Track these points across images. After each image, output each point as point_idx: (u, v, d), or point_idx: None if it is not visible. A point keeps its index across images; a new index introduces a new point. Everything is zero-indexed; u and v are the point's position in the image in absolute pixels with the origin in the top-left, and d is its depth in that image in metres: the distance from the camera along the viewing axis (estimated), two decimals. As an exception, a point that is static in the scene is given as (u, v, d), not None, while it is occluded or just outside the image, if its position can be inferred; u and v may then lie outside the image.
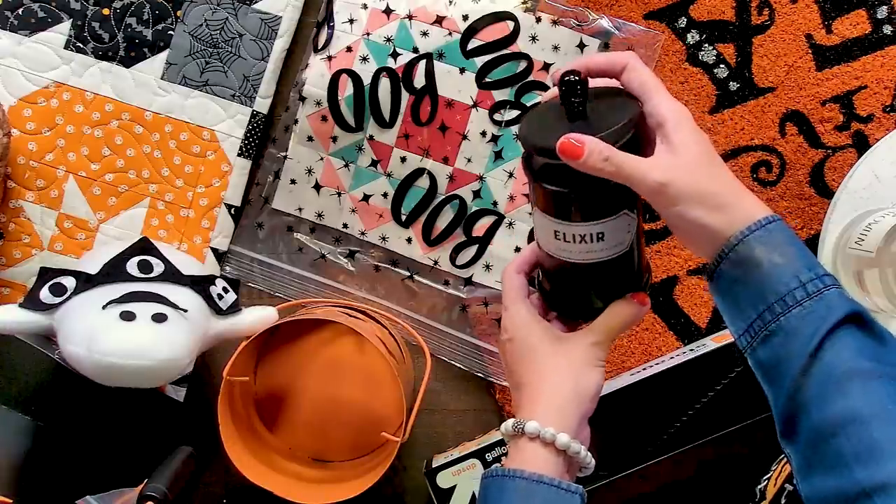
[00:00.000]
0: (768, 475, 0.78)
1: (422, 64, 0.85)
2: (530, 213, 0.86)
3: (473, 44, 0.85)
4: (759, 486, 0.78)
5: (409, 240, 0.88)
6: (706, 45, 0.86)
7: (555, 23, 0.84)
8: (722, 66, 0.86)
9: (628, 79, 0.59)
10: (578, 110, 0.57)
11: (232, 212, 0.89)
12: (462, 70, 0.85)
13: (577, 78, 0.56)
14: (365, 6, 0.86)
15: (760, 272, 0.55)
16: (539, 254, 0.64)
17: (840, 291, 0.55)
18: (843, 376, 0.53)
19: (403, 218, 0.88)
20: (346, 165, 0.88)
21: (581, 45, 0.84)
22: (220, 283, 0.82)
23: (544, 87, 0.85)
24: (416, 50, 0.85)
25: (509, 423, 0.60)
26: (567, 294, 0.64)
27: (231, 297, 0.82)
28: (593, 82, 0.59)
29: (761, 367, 0.56)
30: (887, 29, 0.84)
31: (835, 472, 0.52)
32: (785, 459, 0.78)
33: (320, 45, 0.86)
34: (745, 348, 0.57)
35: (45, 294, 0.77)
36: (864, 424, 0.51)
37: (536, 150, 0.57)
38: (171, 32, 0.87)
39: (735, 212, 0.56)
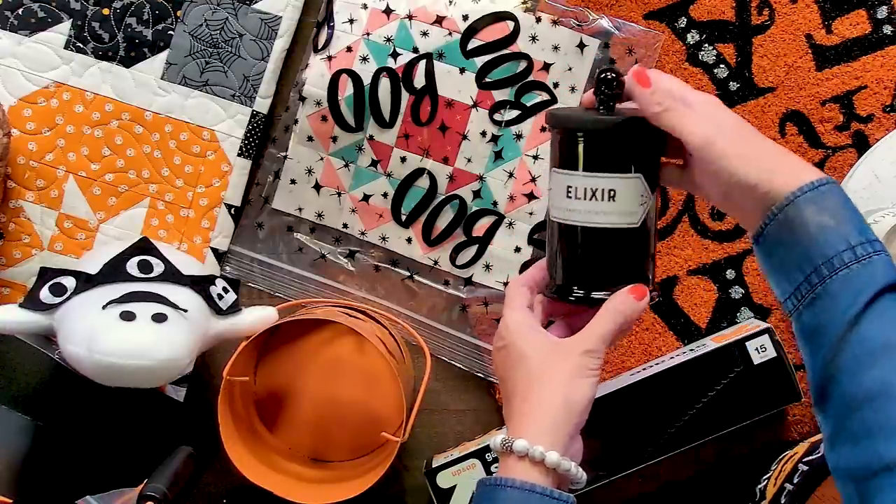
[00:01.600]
0: (768, 475, 0.78)
1: (422, 64, 0.85)
2: (530, 213, 0.86)
3: (473, 44, 0.85)
4: (759, 486, 0.78)
5: (409, 240, 0.88)
6: (706, 45, 0.86)
7: (555, 23, 0.84)
8: (722, 66, 0.86)
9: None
10: (610, 105, 0.60)
11: (232, 212, 0.89)
12: (462, 70, 0.85)
13: (613, 75, 0.59)
14: (365, 6, 0.86)
15: (809, 234, 0.54)
16: (548, 229, 0.64)
17: (889, 259, 0.54)
18: (880, 348, 0.52)
19: (403, 218, 0.88)
20: (346, 165, 0.88)
21: (581, 45, 0.84)
22: (220, 283, 0.82)
23: (544, 87, 0.85)
24: (416, 50, 0.85)
25: (497, 439, 0.59)
26: (569, 272, 0.63)
27: (231, 297, 0.82)
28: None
29: (803, 332, 0.55)
30: (887, 29, 0.84)
31: (860, 444, 0.51)
32: (784, 459, 0.78)
33: (320, 45, 0.86)
34: (790, 312, 0.56)
35: (45, 294, 0.77)
36: (892, 399, 0.51)
37: (572, 120, 0.61)
38: (171, 32, 0.87)
39: (784, 171, 0.55)
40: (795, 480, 0.72)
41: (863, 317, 0.52)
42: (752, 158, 0.56)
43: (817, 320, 0.54)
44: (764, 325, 0.80)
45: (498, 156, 0.86)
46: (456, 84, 0.85)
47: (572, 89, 0.85)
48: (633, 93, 0.58)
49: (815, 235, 0.54)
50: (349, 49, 0.86)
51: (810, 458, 0.73)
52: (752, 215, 0.57)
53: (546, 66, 0.85)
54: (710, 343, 0.81)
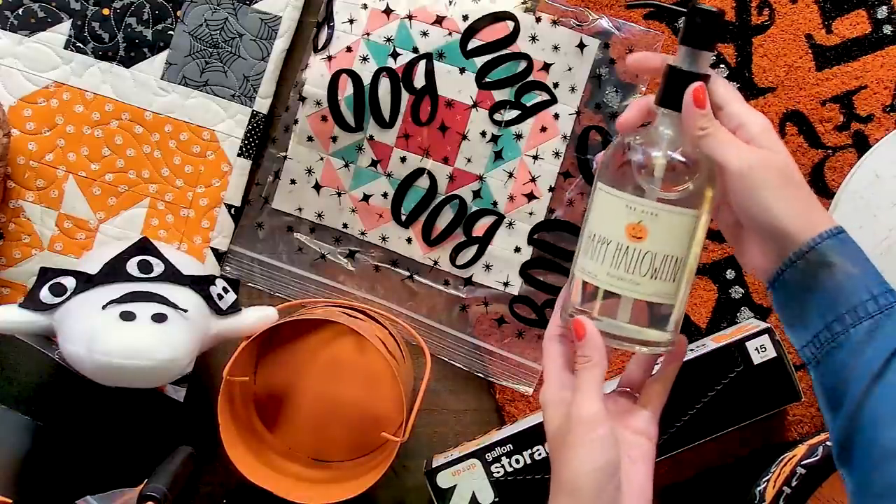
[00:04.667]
0: (767, 476, 0.78)
1: (422, 64, 0.85)
2: (530, 213, 0.86)
3: (473, 44, 0.85)
4: (758, 488, 0.77)
5: (409, 240, 0.88)
6: (706, 45, 0.86)
7: (555, 23, 0.84)
8: (722, 66, 0.86)
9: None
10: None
11: (232, 212, 0.89)
12: (462, 70, 0.85)
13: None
14: (365, 6, 0.86)
15: (833, 281, 0.53)
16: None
17: None
18: None
19: (403, 218, 0.88)
20: (346, 165, 0.88)
21: (581, 45, 0.84)
22: (220, 283, 0.82)
23: (544, 87, 0.85)
24: (416, 50, 0.85)
25: None
26: None
27: (231, 297, 0.82)
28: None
29: (824, 383, 0.54)
30: (887, 29, 0.84)
31: (886, 500, 0.50)
32: (783, 461, 0.78)
33: (320, 45, 0.86)
34: (809, 361, 0.55)
35: (45, 294, 0.77)
36: None
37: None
38: (171, 32, 0.87)
39: (811, 216, 0.54)
40: (793, 483, 0.72)
41: (888, 369, 0.51)
42: (788, 195, 0.54)
43: (838, 372, 0.53)
44: (764, 325, 0.80)
45: (498, 156, 0.86)
46: (456, 84, 0.85)
47: (572, 89, 0.85)
48: (684, 109, 0.56)
49: (840, 283, 0.53)
50: (349, 49, 0.86)
51: (809, 460, 0.73)
52: (765, 256, 0.56)
53: (546, 66, 0.85)
54: (710, 343, 0.81)
